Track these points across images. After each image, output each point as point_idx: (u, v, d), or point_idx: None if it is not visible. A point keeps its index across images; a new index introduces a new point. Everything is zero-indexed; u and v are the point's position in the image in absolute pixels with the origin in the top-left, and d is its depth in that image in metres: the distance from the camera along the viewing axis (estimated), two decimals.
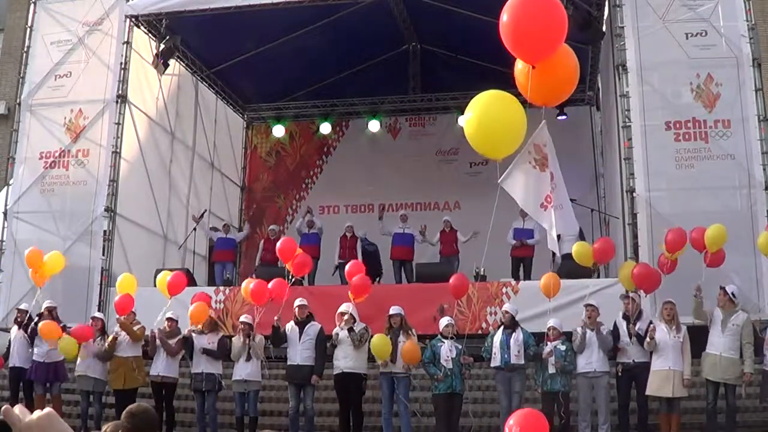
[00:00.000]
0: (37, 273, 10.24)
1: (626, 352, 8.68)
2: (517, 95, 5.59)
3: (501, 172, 6.12)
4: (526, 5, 4.78)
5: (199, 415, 9.39)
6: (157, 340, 9.45)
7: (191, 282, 12.35)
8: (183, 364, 10.37)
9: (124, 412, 3.49)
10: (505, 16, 4.83)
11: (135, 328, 9.59)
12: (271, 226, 14.42)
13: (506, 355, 8.64)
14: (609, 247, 9.71)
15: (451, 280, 9.67)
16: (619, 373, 8.69)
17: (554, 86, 5.13)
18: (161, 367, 9.47)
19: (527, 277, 12.18)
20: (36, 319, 9.91)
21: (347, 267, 9.90)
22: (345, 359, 8.96)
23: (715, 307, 8.59)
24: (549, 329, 8.68)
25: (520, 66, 5.06)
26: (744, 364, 8.38)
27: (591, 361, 8.61)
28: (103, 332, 9.82)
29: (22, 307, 10.23)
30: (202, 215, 13.98)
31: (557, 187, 6.33)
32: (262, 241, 14.01)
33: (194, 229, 13.91)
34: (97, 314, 10.29)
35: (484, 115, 5.30)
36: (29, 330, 9.94)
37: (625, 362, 8.67)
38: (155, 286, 10.43)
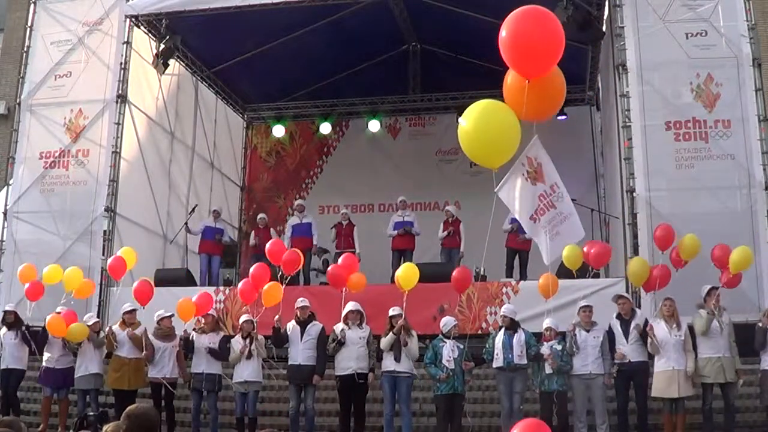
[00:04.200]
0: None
1: (620, 351, 8.66)
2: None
3: (497, 178, 6.15)
4: (525, 21, 4.84)
5: (194, 414, 9.36)
6: (175, 358, 9.49)
7: (191, 282, 12.37)
8: None
9: (123, 414, 3.49)
10: (504, 32, 4.89)
11: (138, 332, 9.59)
12: (260, 215, 14.24)
13: (510, 356, 8.63)
14: (605, 252, 9.68)
15: (453, 273, 9.67)
16: (614, 375, 8.67)
17: (543, 103, 5.20)
18: (168, 368, 9.45)
19: (523, 271, 12.12)
20: (40, 330, 9.92)
21: (340, 260, 9.93)
22: (357, 360, 8.95)
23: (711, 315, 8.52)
24: (546, 329, 8.68)
25: (510, 82, 5.11)
26: (735, 361, 8.41)
27: (587, 363, 8.59)
28: (97, 333, 9.81)
29: (8, 308, 10.22)
30: (192, 210, 13.90)
31: (563, 197, 6.36)
32: (253, 232, 13.85)
33: (185, 223, 13.69)
34: (90, 318, 10.14)
35: (479, 125, 5.36)
36: (35, 337, 9.92)
37: (618, 362, 8.65)
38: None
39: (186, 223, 13.72)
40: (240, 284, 9.89)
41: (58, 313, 9.86)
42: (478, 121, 5.42)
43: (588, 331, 8.70)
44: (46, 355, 9.85)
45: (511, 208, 6.52)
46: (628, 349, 8.61)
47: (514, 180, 6.29)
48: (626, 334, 8.67)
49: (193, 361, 9.46)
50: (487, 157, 5.54)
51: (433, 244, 13.11)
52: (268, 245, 9.97)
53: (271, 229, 13.87)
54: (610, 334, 8.74)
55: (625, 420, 8.69)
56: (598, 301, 9.20)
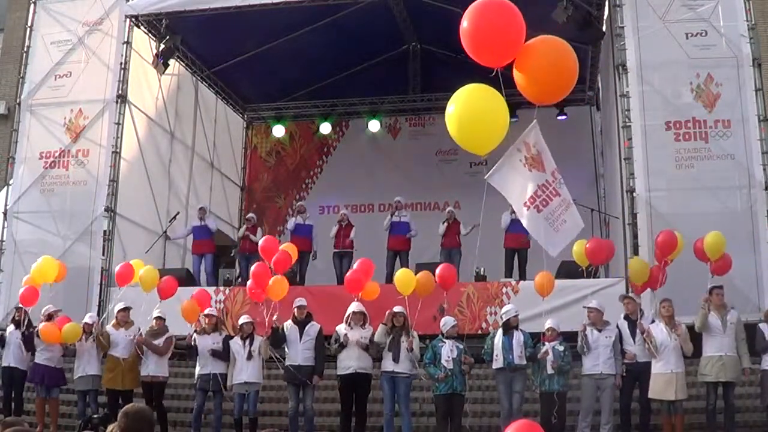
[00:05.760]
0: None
1: (630, 352, 8.66)
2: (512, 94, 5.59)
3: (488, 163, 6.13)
4: (484, 12, 4.90)
5: (195, 415, 9.32)
6: (143, 345, 9.44)
7: (191, 282, 12.36)
8: (182, 364, 10.37)
9: (120, 412, 3.51)
10: (465, 23, 4.94)
11: (132, 331, 9.58)
12: (249, 214, 14.18)
13: (510, 357, 8.63)
14: (600, 248, 9.69)
15: (437, 270, 9.67)
16: (624, 374, 8.66)
17: (553, 85, 5.16)
18: (152, 366, 9.43)
19: (522, 270, 12.10)
20: (37, 326, 9.88)
21: (355, 266, 9.93)
22: (358, 359, 8.96)
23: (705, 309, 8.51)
24: (547, 329, 8.68)
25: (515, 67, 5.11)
26: (741, 360, 8.40)
27: (598, 362, 8.57)
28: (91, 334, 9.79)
29: (19, 306, 10.21)
30: (173, 218, 13.77)
31: (563, 183, 6.33)
32: (245, 227, 13.70)
33: (165, 231, 13.57)
34: (88, 319, 10.05)
35: (465, 109, 5.36)
36: (27, 334, 9.91)
37: (627, 362, 8.66)
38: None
39: (165, 231, 13.61)
40: (248, 284, 9.86)
41: (50, 314, 9.85)
42: (465, 106, 5.41)
43: (600, 330, 8.68)
44: (46, 354, 9.79)
45: (506, 194, 6.48)
46: (636, 349, 8.61)
47: (509, 165, 6.24)
48: (633, 334, 8.66)
49: (198, 363, 9.43)
50: (475, 143, 5.52)
51: (433, 244, 13.07)
52: (261, 241, 9.95)
53: (259, 229, 13.79)
54: (618, 334, 8.74)
55: (628, 420, 8.68)
56: (598, 301, 9.14)
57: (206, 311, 9.74)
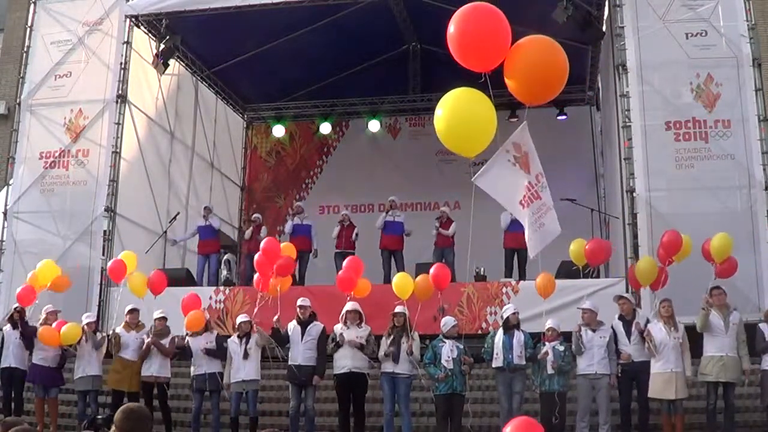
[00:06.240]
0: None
1: (625, 352, 8.66)
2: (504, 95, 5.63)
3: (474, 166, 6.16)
4: (469, 18, 4.92)
5: (195, 416, 9.33)
6: (152, 346, 9.44)
7: (191, 282, 12.36)
8: (182, 364, 10.36)
9: (117, 412, 3.50)
10: (451, 29, 4.97)
11: (142, 334, 9.60)
12: (255, 215, 14.20)
13: (509, 356, 8.63)
14: (600, 249, 9.68)
15: (432, 270, 9.68)
16: (619, 374, 8.67)
17: (542, 84, 5.21)
18: (155, 367, 9.44)
19: (522, 270, 12.09)
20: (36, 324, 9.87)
21: (345, 264, 9.94)
22: (353, 359, 8.96)
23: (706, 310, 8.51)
24: (547, 330, 8.68)
25: (506, 69, 5.15)
26: (742, 360, 8.40)
27: (592, 363, 8.57)
28: (94, 333, 9.77)
29: (17, 305, 10.20)
30: (173, 219, 13.74)
31: (546, 187, 6.35)
32: (251, 229, 13.70)
33: (165, 232, 13.57)
34: (86, 318, 10.02)
35: (451, 112, 5.43)
36: (26, 333, 9.89)
37: (622, 363, 8.66)
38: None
39: (165, 232, 13.56)
40: (255, 277, 9.80)
41: (47, 315, 9.85)
42: (452, 109, 5.47)
43: (594, 330, 8.68)
44: (41, 354, 9.76)
45: (498, 197, 6.49)
46: (631, 349, 8.61)
47: (499, 167, 6.25)
48: (629, 334, 8.66)
49: (193, 364, 9.44)
50: (463, 145, 5.58)
51: (431, 244, 13.09)
52: (263, 243, 9.94)
53: (263, 228, 13.78)
54: (613, 334, 8.73)
55: (628, 420, 8.68)
56: (598, 301, 9.18)
57: None
